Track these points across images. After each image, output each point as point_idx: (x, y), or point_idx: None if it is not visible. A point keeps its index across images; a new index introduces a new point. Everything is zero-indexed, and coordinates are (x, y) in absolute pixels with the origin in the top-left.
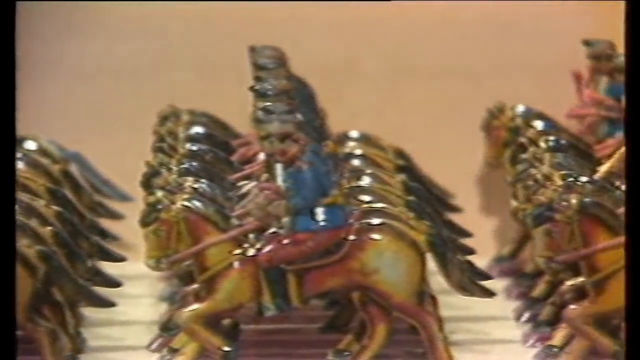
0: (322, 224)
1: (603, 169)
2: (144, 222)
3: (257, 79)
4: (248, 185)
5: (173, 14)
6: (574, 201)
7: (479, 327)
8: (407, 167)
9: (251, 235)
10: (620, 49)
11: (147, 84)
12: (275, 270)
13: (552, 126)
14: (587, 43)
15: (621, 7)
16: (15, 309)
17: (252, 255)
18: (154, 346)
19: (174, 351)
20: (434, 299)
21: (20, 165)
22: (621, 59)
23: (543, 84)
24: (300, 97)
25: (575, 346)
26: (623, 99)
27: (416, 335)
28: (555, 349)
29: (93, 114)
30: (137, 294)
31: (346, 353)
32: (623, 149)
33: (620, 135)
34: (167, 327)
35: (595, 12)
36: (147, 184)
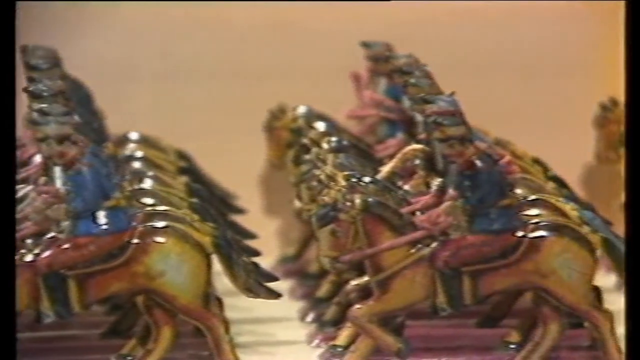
0: (104, 227)
1: (385, 169)
2: None
3: (30, 79)
4: (25, 189)
5: (173, 14)
6: (357, 201)
7: (265, 328)
8: (189, 168)
9: (29, 240)
10: (620, 48)
11: (321, 86)
12: (55, 275)
13: (333, 127)
14: (365, 45)
15: (621, 7)
16: (15, 309)
17: (31, 261)
18: (315, 342)
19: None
20: (219, 301)
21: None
22: (401, 60)
23: (323, 86)
24: (76, 98)
25: (359, 345)
26: (403, 99)
27: (202, 337)
28: (340, 349)
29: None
30: None
31: (129, 358)
32: (405, 149)
33: (400, 135)
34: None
35: (595, 13)
36: None
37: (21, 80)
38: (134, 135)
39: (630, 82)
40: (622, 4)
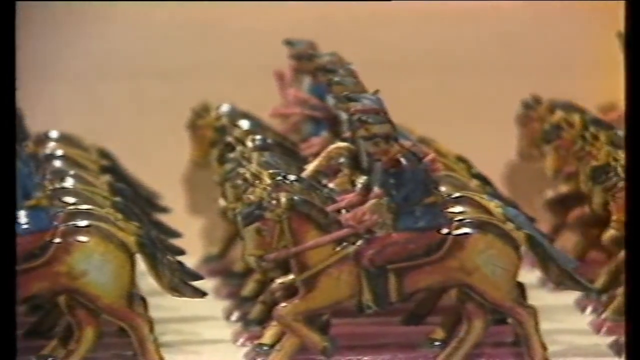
0: (25, 227)
1: (310, 167)
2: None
3: None
4: None
5: (94, 12)
6: (283, 199)
7: (190, 327)
8: (111, 167)
9: None
10: (620, 49)
11: (245, 85)
12: None
13: (257, 125)
14: (288, 43)
15: (622, 7)
16: (15, 308)
17: None
18: (240, 341)
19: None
20: (143, 301)
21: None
22: (325, 59)
23: (247, 84)
24: None
25: (285, 343)
26: (327, 98)
27: (126, 337)
28: (265, 347)
29: (94, 114)
30: None
31: (50, 359)
32: (330, 148)
33: (324, 134)
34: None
35: (595, 13)
36: None
37: (21, 80)
38: (54, 134)
39: (630, 82)
40: (623, 4)
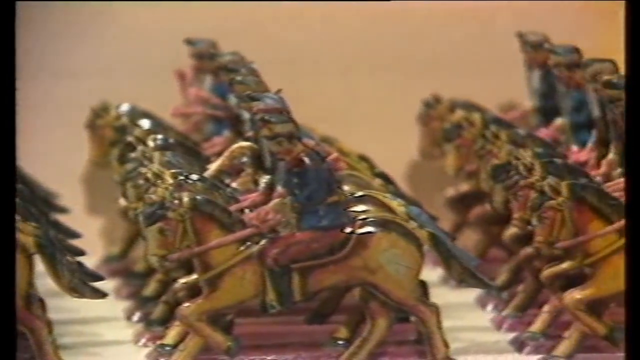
0: None
1: (213, 167)
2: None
3: None
4: None
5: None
6: (185, 199)
7: (90, 328)
8: None
9: None
10: (620, 48)
11: (145, 84)
12: None
13: (158, 125)
14: (189, 42)
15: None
16: (15, 308)
17: None
18: (142, 341)
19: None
20: (42, 302)
21: None
22: (227, 58)
23: (147, 83)
24: None
25: (188, 343)
26: (229, 97)
27: (24, 340)
28: (168, 347)
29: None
30: None
31: None
32: (233, 147)
33: (227, 133)
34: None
35: (497, 12)
36: None
37: (21, 80)
38: None
39: (630, 82)
40: (623, 4)
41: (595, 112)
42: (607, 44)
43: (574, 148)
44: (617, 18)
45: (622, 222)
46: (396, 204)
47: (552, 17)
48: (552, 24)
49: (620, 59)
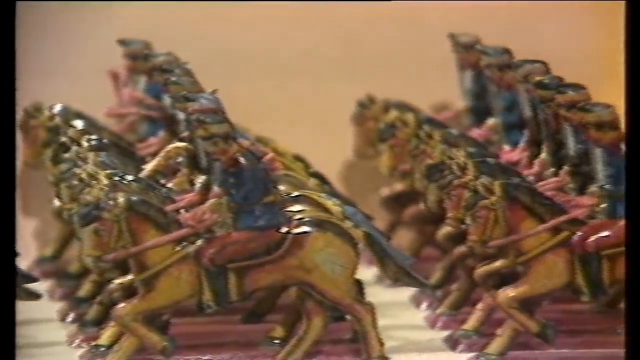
0: None
1: (148, 167)
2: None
3: None
4: None
5: (172, 14)
6: (120, 199)
7: (23, 330)
8: None
9: None
10: (620, 48)
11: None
12: None
13: (92, 125)
14: (122, 42)
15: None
16: (15, 308)
17: None
18: (76, 342)
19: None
20: None
21: None
22: (161, 58)
23: (80, 84)
24: None
25: (123, 344)
26: (163, 97)
27: None
28: (103, 348)
29: (93, 114)
30: None
31: None
32: (168, 147)
33: (161, 134)
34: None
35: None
36: None
37: (21, 80)
38: None
39: (630, 82)
40: (623, 4)
41: (527, 112)
42: (607, 44)
43: (506, 148)
44: (617, 18)
45: (554, 221)
46: (331, 203)
47: (552, 17)
48: (552, 24)
49: (620, 59)
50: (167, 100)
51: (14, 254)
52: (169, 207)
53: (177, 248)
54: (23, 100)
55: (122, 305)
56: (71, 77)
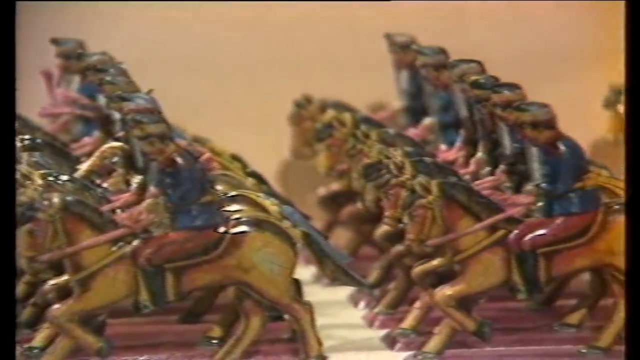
0: None
1: (83, 167)
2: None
3: None
4: None
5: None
6: (55, 200)
7: None
8: None
9: None
10: (620, 48)
11: (208, 83)
12: None
13: (25, 125)
14: (55, 42)
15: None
16: (15, 308)
17: None
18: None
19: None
20: None
21: None
22: (95, 58)
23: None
24: None
25: (58, 345)
26: (98, 97)
27: None
28: (36, 350)
29: (27, 114)
30: None
31: None
32: (103, 147)
33: (96, 134)
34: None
35: (596, 13)
36: None
37: (21, 80)
38: None
39: (630, 82)
40: (623, 4)
41: (463, 111)
42: (607, 44)
43: (443, 147)
44: (617, 18)
45: (491, 219)
46: (269, 203)
47: (552, 17)
48: (552, 24)
49: (620, 59)
50: (101, 100)
51: (14, 254)
52: (105, 207)
53: (114, 248)
54: (23, 100)
55: (57, 306)
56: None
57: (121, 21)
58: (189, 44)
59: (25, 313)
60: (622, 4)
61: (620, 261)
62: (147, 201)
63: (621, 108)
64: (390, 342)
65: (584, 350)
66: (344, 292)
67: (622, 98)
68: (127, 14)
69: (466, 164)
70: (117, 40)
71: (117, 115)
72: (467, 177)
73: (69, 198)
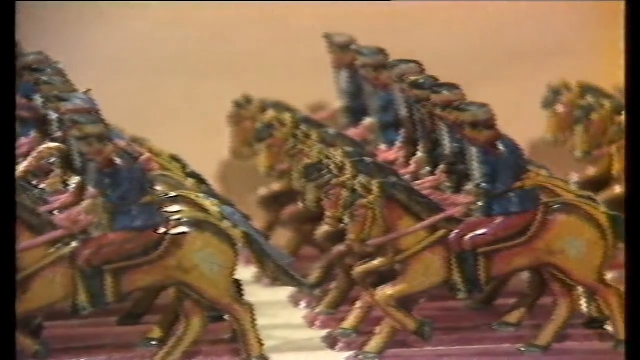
0: None
1: (20, 168)
2: None
3: None
4: None
5: (172, 14)
6: None
7: None
8: None
9: None
10: (620, 48)
11: (145, 83)
12: None
13: None
14: None
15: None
16: (15, 308)
17: None
18: None
19: None
20: None
21: None
22: (31, 58)
23: None
24: None
25: None
26: (34, 97)
27: None
28: None
29: None
30: None
31: None
32: (40, 148)
33: (33, 134)
34: None
35: (596, 13)
36: None
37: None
38: None
39: (630, 82)
40: (622, 4)
41: (403, 111)
42: (607, 44)
43: (383, 147)
44: (617, 18)
45: (431, 219)
46: (209, 203)
47: (551, 17)
48: (490, 24)
49: (620, 59)
50: (38, 100)
51: (14, 254)
52: (43, 209)
53: (51, 250)
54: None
55: None
56: None
57: (60, 21)
58: (127, 43)
59: None
60: (562, 4)
61: (560, 260)
62: (86, 202)
63: (560, 108)
64: (331, 342)
65: (522, 349)
66: (285, 292)
67: (561, 98)
68: (66, 14)
69: (406, 163)
70: (55, 41)
71: (54, 116)
72: (407, 177)
73: None
